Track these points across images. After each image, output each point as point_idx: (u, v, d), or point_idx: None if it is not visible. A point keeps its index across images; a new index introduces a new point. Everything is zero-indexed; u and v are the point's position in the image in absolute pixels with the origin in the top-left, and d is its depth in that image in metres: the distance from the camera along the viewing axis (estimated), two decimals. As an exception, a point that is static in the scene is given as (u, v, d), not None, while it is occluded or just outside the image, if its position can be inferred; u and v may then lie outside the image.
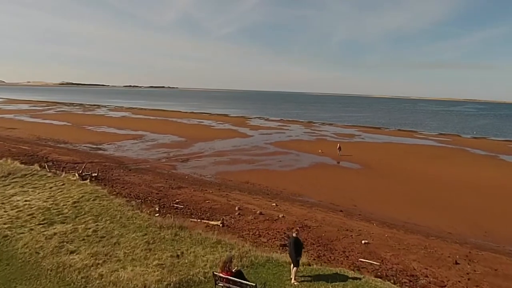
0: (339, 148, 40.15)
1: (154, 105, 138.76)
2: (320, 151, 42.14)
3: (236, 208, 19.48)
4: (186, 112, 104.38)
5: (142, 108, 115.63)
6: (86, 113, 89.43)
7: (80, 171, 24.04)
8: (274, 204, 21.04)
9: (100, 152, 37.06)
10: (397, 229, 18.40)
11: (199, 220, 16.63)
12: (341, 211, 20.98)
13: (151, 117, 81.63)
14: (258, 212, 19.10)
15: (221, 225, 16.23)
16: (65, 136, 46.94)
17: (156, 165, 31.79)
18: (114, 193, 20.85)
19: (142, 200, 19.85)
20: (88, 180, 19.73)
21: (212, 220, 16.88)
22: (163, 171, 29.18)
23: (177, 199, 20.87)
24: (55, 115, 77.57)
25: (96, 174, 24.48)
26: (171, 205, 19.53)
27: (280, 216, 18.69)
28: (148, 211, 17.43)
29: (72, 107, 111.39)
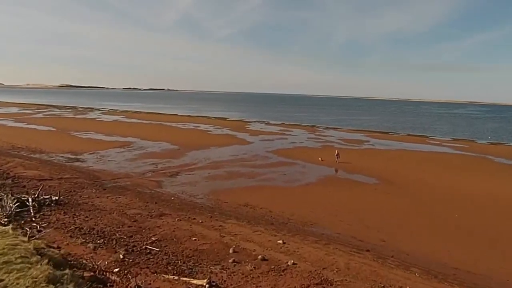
0: (337, 155, 37.14)
1: (151, 108, 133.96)
2: (320, 159, 37.90)
3: (231, 251, 14.62)
4: (182, 116, 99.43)
5: (137, 111, 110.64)
6: (77, 116, 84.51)
7: (36, 195, 19.23)
8: (281, 241, 16.19)
9: (77, 164, 32.16)
10: (449, 282, 13.52)
11: (176, 278, 11.75)
12: (367, 250, 16.10)
13: (145, 121, 76.78)
14: (259, 256, 14.24)
15: (207, 286, 11.37)
16: (44, 144, 42.01)
17: (138, 181, 26.91)
18: (72, 227, 16.06)
19: (106, 240, 14.96)
20: (10, 227, 12.06)
21: (195, 277, 11.98)
22: (145, 190, 24.29)
23: (154, 235, 16.03)
24: (41, 120, 72.60)
25: (57, 198, 19.67)
26: (144, 246, 14.64)
27: (289, 263, 13.83)
28: (107, 261, 12.60)
29: (63, 110, 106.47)
